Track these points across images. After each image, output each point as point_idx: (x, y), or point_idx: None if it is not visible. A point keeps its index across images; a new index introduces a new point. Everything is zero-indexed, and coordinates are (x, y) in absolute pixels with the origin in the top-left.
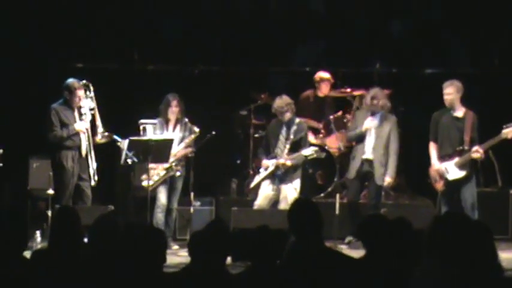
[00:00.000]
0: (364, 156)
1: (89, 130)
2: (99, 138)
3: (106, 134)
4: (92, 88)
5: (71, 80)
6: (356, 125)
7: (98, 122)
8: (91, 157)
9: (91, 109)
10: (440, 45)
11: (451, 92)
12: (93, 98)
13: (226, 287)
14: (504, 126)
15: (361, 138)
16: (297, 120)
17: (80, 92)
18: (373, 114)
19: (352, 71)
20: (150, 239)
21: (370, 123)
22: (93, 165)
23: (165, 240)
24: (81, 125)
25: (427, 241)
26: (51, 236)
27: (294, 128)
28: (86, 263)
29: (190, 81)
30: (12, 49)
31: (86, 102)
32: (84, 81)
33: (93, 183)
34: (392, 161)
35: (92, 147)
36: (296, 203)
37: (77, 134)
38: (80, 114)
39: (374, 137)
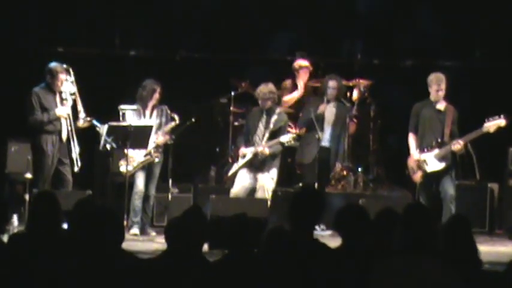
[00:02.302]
0: (322, 144)
1: (70, 115)
2: (80, 123)
3: (88, 118)
4: (72, 72)
5: (53, 64)
6: (309, 111)
7: (80, 107)
8: (73, 142)
9: (72, 94)
10: (421, 36)
11: (444, 88)
12: (74, 82)
13: (203, 274)
14: (486, 120)
15: (313, 124)
16: (278, 110)
17: (62, 76)
18: (328, 102)
19: (332, 61)
20: (102, 220)
21: (324, 107)
22: (76, 150)
23: (116, 218)
24: (62, 110)
25: (402, 233)
26: (29, 220)
27: (275, 117)
28: (64, 247)
29: (171, 67)
30: None
31: (67, 86)
32: (64, 66)
33: (76, 168)
34: (343, 147)
35: (74, 133)
36: (304, 192)
37: (58, 118)
38: (62, 99)
39: (331, 126)
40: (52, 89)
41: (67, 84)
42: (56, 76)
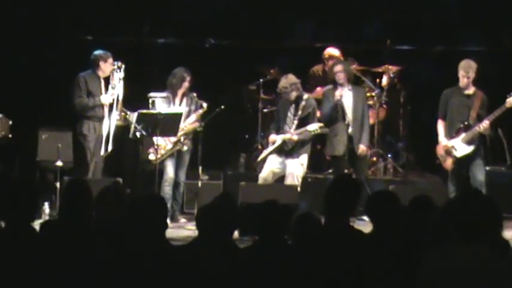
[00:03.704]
0: (349, 132)
1: (113, 104)
2: (117, 119)
3: (123, 114)
4: (123, 69)
5: (99, 51)
6: (327, 101)
7: (120, 104)
8: (109, 130)
9: (117, 89)
10: (451, 23)
11: (472, 75)
12: (122, 79)
13: (233, 261)
14: (508, 96)
15: (336, 115)
16: (305, 96)
17: (108, 64)
18: (341, 86)
19: (362, 48)
20: (149, 207)
21: (340, 92)
22: (110, 136)
23: (164, 206)
24: (107, 99)
25: (443, 222)
26: (61, 208)
27: (303, 103)
28: (94, 235)
29: (200, 54)
30: (20, 21)
31: (116, 80)
32: (118, 63)
33: (103, 152)
34: (366, 130)
35: (114, 121)
36: (340, 180)
37: (101, 105)
38: (107, 87)
39: (351, 112)
40: (98, 75)
41: (116, 77)
42: (102, 63)
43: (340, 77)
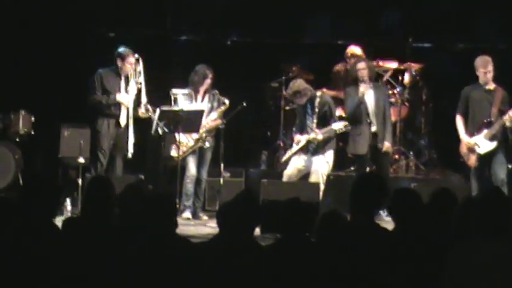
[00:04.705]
0: (373, 130)
1: (131, 103)
2: (142, 112)
3: (149, 108)
4: (141, 62)
5: (122, 48)
6: (351, 99)
7: (143, 98)
8: (130, 130)
9: (138, 83)
10: (471, 19)
11: (492, 69)
12: (142, 72)
13: (255, 258)
14: None
15: (360, 112)
16: (319, 93)
17: (131, 61)
18: (363, 82)
19: (383, 45)
20: (158, 205)
21: (364, 88)
22: (131, 138)
23: (173, 205)
24: (124, 97)
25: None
26: (84, 204)
27: (317, 100)
28: (116, 232)
29: (223, 51)
30: (43, 18)
31: (136, 75)
32: (136, 55)
33: (129, 155)
34: (389, 127)
35: (131, 121)
36: (366, 177)
37: (117, 104)
38: (127, 85)
39: (374, 110)
40: (119, 73)
41: (135, 73)
42: (124, 60)
43: (363, 74)
